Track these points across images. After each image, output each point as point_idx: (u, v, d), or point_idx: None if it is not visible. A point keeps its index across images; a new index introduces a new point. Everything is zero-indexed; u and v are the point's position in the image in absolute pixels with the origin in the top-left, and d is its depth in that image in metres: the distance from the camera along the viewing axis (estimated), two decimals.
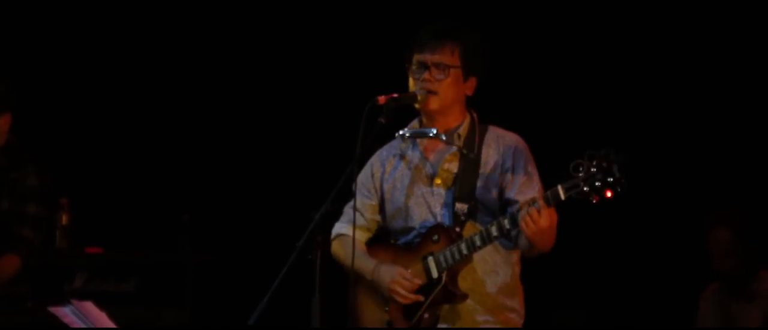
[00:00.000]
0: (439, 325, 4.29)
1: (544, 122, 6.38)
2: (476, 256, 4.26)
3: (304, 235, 3.96)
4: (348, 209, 4.47)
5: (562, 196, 4.00)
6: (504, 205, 4.29)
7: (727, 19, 6.42)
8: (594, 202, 3.99)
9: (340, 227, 4.49)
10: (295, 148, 7.12)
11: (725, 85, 6.48)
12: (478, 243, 4.19)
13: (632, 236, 6.63)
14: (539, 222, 4.03)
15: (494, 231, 4.16)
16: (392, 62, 4.65)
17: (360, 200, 4.42)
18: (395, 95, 4.27)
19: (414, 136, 4.40)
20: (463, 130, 4.37)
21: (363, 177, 4.46)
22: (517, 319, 4.38)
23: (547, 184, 4.20)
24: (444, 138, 4.34)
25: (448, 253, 4.23)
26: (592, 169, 3.94)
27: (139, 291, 6.40)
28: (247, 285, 5.11)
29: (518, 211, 4.10)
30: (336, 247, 4.44)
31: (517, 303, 4.38)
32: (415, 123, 4.45)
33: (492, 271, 4.32)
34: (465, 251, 4.20)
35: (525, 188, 4.27)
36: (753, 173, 6.37)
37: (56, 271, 6.24)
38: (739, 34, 6.42)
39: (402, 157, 4.45)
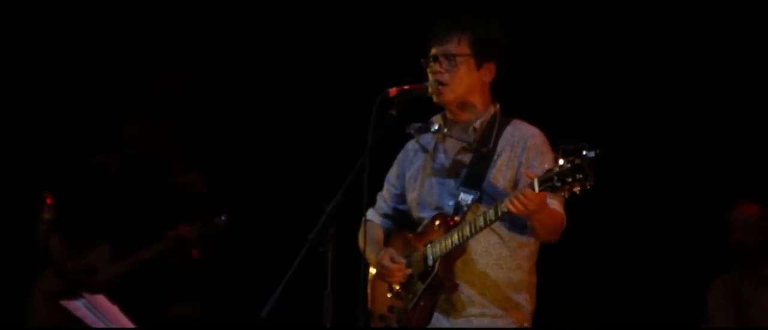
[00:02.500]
0: (436, 314, 4.31)
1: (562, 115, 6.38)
2: (480, 248, 4.26)
3: (316, 228, 3.96)
4: (378, 196, 4.57)
5: (536, 189, 3.99)
6: None
7: (737, 11, 6.42)
8: (565, 196, 3.99)
9: (368, 213, 4.56)
10: (307, 140, 7.12)
11: (739, 76, 6.47)
12: (467, 232, 4.20)
13: (642, 227, 6.63)
14: (527, 205, 4.02)
15: (480, 221, 4.17)
16: (403, 55, 4.65)
17: (386, 189, 4.54)
18: (406, 87, 4.27)
19: (419, 131, 4.42)
20: (481, 123, 4.36)
21: (393, 165, 4.55)
22: (521, 315, 4.36)
23: None
24: (445, 130, 4.34)
25: (442, 241, 4.26)
26: (565, 165, 3.93)
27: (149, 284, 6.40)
28: (259, 277, 5.11)
29: (501, 201, 4.11)
30: (360, 232, 4.48)
31: (524, 298, 4.36)
32: (439, 116, 4.44)
33: (495, 264, 4.31)
34: (456, 241, 4.22)
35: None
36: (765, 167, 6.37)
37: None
38: (755, 23, 6.42)
39: (425, 148, 4.46)
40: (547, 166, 4.11)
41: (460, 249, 4.25)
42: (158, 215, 5.82)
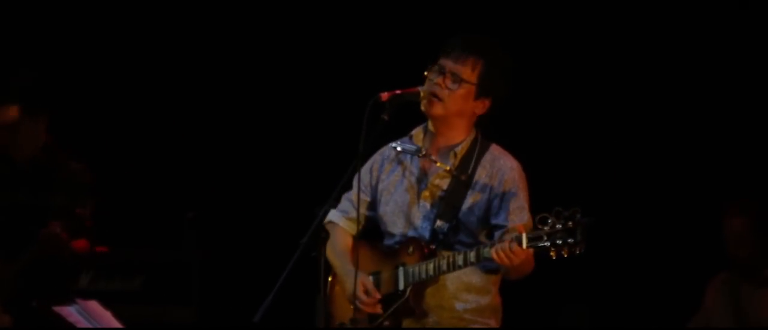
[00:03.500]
0: None
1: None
2: (451, 275, 4.26)
3: (309, 232, 3.96)
4: (344, 198, 4.50)
5: (524, 245, 4.01)
6: (492, 228, 4.30)
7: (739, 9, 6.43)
8: (552, 257, 3.99)
9: (333, 214, 4.48)
10: (299, 145, 7.12)
11: (738, 77, 6.47)
12: (444, 268, 4.20)
13: (637, 229, 6.63)
14: (512, 259, 4.04)
15: (460, 261, 4.17)
16: (396, 59, 4.65)
17: (355, 193, 4.43)
18: (398, 92, 4.26)
19: (404, 151, 4.40)
20: (461, 148, 4.35)
21: (364, 171, 4.46)
22: None
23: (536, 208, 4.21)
24: (433, 158, 4.33)
25: (416, 269, 4.25)
26: (557, 226, 3.94)
27: (144, 289, 6.40)
28: (253, 282, 5.11)
29: (491, 245, 4.11)
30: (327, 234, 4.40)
31: (493, 321, 4.37)
32: (419, 129, 4.43)
33: (466, 290, 4.31)
34: (431, 273, 4.23)
35: (514, 216, 4.26)
36: (765, 165, 6.37)
37: (62, 270, 6.24)
38: (757, 22, 6.42)
39: (401, 162, 4.44)
40: (522, 198, 4.17)
41: (432, 279, 4.26)
42: (38, 213, 5.67)
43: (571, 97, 6.62)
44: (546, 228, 3.96)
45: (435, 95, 4.29)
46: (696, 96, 6.55)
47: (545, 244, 3.95)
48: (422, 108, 4.33)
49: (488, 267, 4.30)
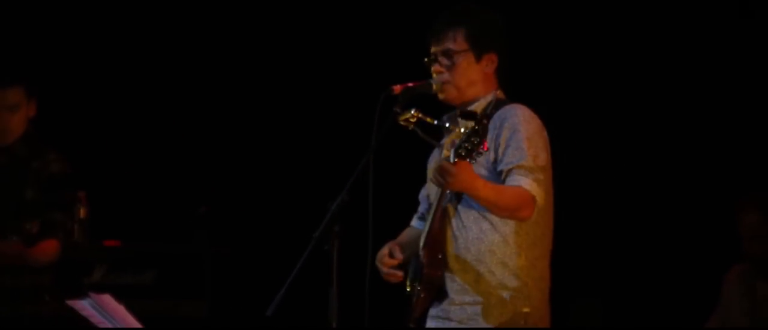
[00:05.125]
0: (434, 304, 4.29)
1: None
2: (470, 235, 4.21)
3: (321, 227, 3.96)
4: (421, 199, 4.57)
5: (452, 159, 4.01)
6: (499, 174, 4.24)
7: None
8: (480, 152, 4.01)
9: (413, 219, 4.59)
10: (311, 138, 7.13)
11: (749, 72, 6.46)
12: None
13: (650, 223, 6.62)
14: (439, 173, 4.03)
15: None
16: (407, 52, 4.64)
17: (423, 190, 4.52)
18: (410, 84, 4.26)
19: (425, 136, 4.40)
20: (476, 107, 4.30)
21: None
22: (519, 302, 4.24)
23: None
24: (447, 125, 4.32)
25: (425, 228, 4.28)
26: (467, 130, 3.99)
27: (157, 283, 6.42)
28: (265, 276, 5.11)
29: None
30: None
31: (519, 282, 4.24)
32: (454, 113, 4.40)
33: (488, 250, 4.24)
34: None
35: (511, 158, 4.18)
36: None
37: (74, 264, 6.25)
38: (755, 24, 6.41)
39: (439, 147, 4.44)
40: (520, 139, 4.12)
41: (445, 237, 4.23)
42: (18, 206, 5.54)
43: (590, 94, 6.62)
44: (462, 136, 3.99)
45: (444, 82, 4.29)
46: (710, 92, 6.54)
47: (464, 150, 3.96)
48: (440, 97, 4.32)
49: (510, 224, 4.24)
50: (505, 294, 4.23)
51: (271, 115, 7.25)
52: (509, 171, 4.16)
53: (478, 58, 4.31)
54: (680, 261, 6.56)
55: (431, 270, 4.24)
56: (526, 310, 4.25)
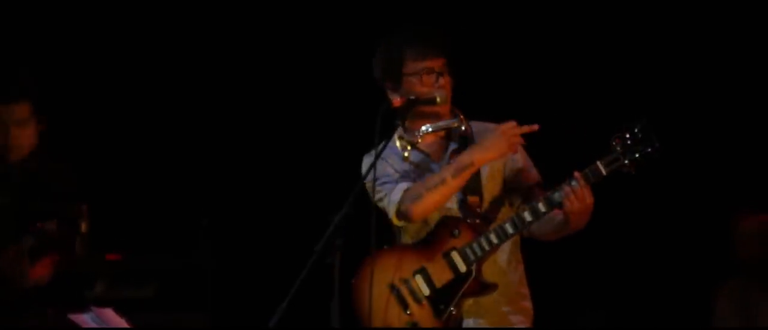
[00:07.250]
0: (466, 320, 4.27)
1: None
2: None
3: (323, 239, 3.95)
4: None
5: (604, 172, 4.02)
6: (527, 192, 4.28)
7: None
8: (631, 172, 4.05)
9: (398, 189, 4.34)
10: (313, 152, 7.12)
11: (749, 82, 6.46)
12: (510, 231, 4.16)
13: (653, 234, 6.62)
14: (585, 199, 4.02)
15: (528, 216, 4.13)
16: None
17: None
18: (412, 98, 4.26)
19: (438, 129, 4.37)
20: (458, 123, 4.35)
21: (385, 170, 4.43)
22: (530, 306, 4.39)
23: (565, 167, 4.21)
24: (463, 128, 4.32)
25: (475, 245, 4.19)
26: (628, 141, 3.95)
27: (158, 296, 6.41)
28: (267, 289, 5.11)
29: (553, 193, 4.09)
30: (410, 197, 4.29)
31: (527, 289, 4.40)
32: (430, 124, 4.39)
33: (507, 260, 4.29)
34: (495, 241, 4.18)
35: (534, 173, 4.32)
36: None
37: (76, 278, 6.26)
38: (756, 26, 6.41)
39: (403, 160, 4.40)
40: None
41: (495, 249, 4.23)
42: (25, 217, 5.53)
43: (585, 102, 6.62)
44: (618, 148, 4.03)
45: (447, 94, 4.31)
46: (712, 100, 6.54)
47: (625, 162, 4.03)
48: (437, 111, 4.32)
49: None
50: (523, 302, 4.40)
51: (273, 128, 7.24)
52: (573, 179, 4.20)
53: (453, 75, 4.38)
54: (683, 271, 6.56)
55: (485, 280, 4.23)
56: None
